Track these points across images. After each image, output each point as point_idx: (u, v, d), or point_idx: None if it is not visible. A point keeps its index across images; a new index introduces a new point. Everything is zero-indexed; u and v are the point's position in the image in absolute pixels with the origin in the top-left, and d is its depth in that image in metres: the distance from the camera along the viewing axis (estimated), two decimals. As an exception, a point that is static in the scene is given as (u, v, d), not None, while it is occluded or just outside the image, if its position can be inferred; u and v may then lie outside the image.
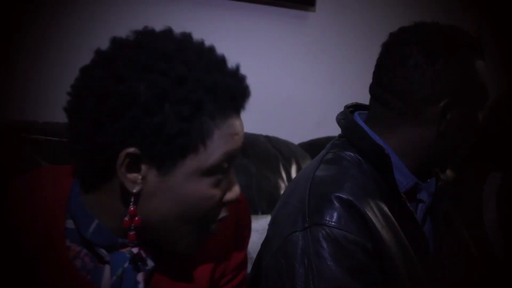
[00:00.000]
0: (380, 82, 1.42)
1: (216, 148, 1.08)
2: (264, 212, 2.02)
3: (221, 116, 1.08)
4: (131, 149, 1.05)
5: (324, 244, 1.29)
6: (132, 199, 1.08)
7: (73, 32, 2.02)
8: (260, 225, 1.69)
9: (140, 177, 1.07)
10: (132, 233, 1.09)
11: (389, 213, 1.36)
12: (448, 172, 1.50)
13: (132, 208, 1.08)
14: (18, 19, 1.94)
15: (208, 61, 1.09)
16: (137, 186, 1.07)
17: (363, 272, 1.29)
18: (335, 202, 1.31)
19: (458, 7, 2.80)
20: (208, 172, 1.08)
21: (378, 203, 1.35)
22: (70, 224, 1.13)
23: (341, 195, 1.31)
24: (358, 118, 1.45)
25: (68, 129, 1.11)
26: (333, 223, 1.29)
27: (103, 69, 1.07)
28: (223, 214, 1.15)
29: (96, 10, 2.07)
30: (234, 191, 1.14)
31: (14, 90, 1.96)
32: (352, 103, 1.49)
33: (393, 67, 1.40)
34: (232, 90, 1.09)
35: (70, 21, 2.03)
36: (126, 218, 1.08)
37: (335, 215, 1.30)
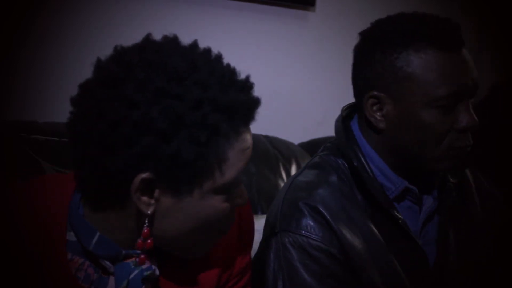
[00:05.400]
0: (353, 84, 1.42)
1: (230, 168, 1.06)
2: (264, 212, 2.02)
3: (234, 134, 1.05)
4: (146, 174, 1.02)
5: (292, 250, 1.32)
6: (146, 221, 1.06)
7: (73, 32, 2.02)
8: (260, 225, 1.70)
9: (153, 199, 1.05)
10: (143, 256, 1.10)
11: (368, 222, 1.34)
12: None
13: (146, 230, 1.07)
14: (18, 19, 1.94)
15: (221, 77, 1.04)
16: (151, 208, 1.05)
17: (331, 277, 1.31)
18: (303, 209, 1.32)
19: (458, 8, 2.80)
20: (222, 190, 1.07)
21: (353, 211, 1.34)
22: (71, 236, 1.11)
23: (308, 202, 1.33)
24: (355, 121, 1.42)
25: (72, 150, 1.07)
26: (298, 230, 1.32)
27: (111, 91, 1.02)
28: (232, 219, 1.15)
29: (97, 10, 2.06)
30: (243, 197, 1.13)
31: (14, 90, 1.96)
32: (350, 104, 1.46)
33: (353, 68, 1.41)
34: (245, 107, 1.06)
35: (70, 21, 2.03)
36: (140, 240, 1.08)
37: (301, 222, 1.32)
